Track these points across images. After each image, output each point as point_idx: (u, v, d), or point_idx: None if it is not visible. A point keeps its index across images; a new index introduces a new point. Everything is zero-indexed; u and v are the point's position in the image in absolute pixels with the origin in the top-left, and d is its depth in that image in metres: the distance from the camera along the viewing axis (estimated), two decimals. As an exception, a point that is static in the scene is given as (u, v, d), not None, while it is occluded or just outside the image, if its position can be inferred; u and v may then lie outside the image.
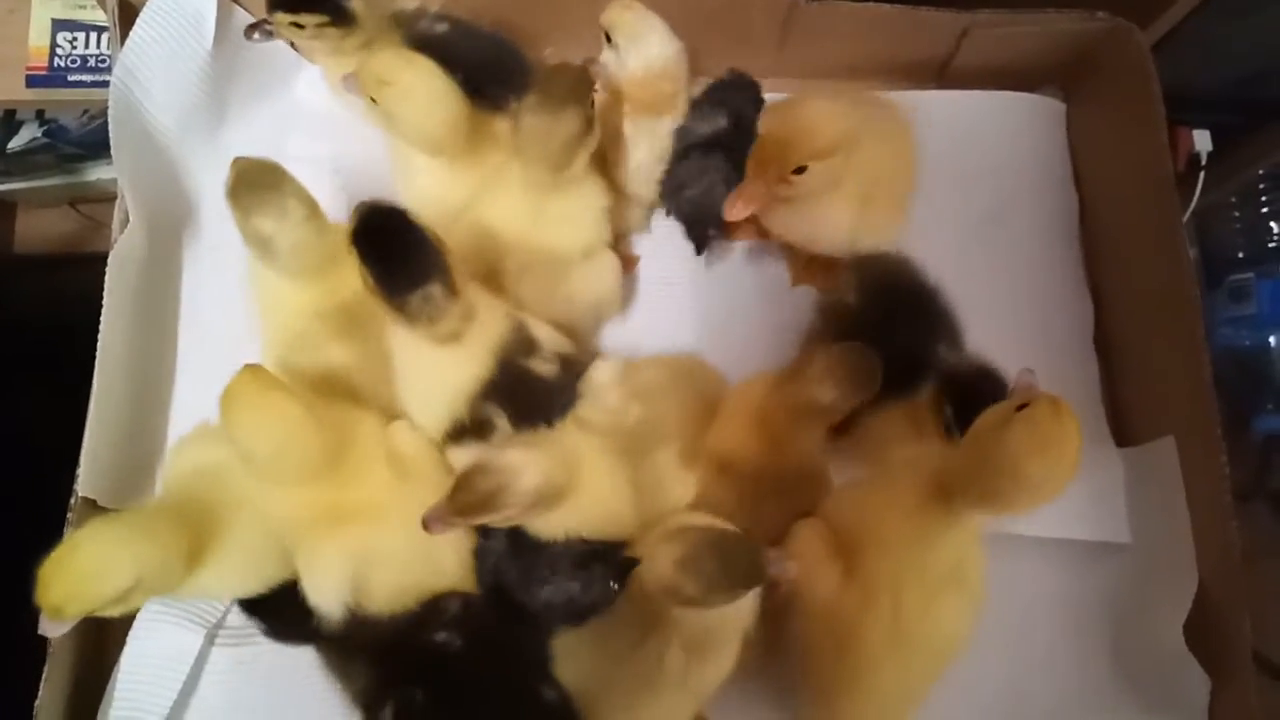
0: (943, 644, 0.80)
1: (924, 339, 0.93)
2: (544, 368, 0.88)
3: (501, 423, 0.87)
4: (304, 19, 0.94)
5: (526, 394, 0.87)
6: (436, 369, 0.86)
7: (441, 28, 1.02)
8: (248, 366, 0.78)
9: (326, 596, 0.82)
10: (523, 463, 0.76)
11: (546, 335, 0.91)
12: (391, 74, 0.87)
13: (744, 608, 0.79)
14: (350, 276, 0.82)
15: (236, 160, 0.83)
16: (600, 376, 0.82)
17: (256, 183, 0.82)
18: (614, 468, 0.83)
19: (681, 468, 0.90)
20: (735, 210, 0.89)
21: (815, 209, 0.94)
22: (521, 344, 0.88)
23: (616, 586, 0.79)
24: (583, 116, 0.87)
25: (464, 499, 0.75)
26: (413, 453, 0.88)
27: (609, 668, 0.80)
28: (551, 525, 0.82)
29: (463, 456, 0.89)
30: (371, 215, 0.77)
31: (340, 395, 0.89)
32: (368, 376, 0.90)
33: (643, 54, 1.01)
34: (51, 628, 0.74)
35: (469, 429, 0.87)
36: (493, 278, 0.94)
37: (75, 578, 0.73)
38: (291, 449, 0.79)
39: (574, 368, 0.90)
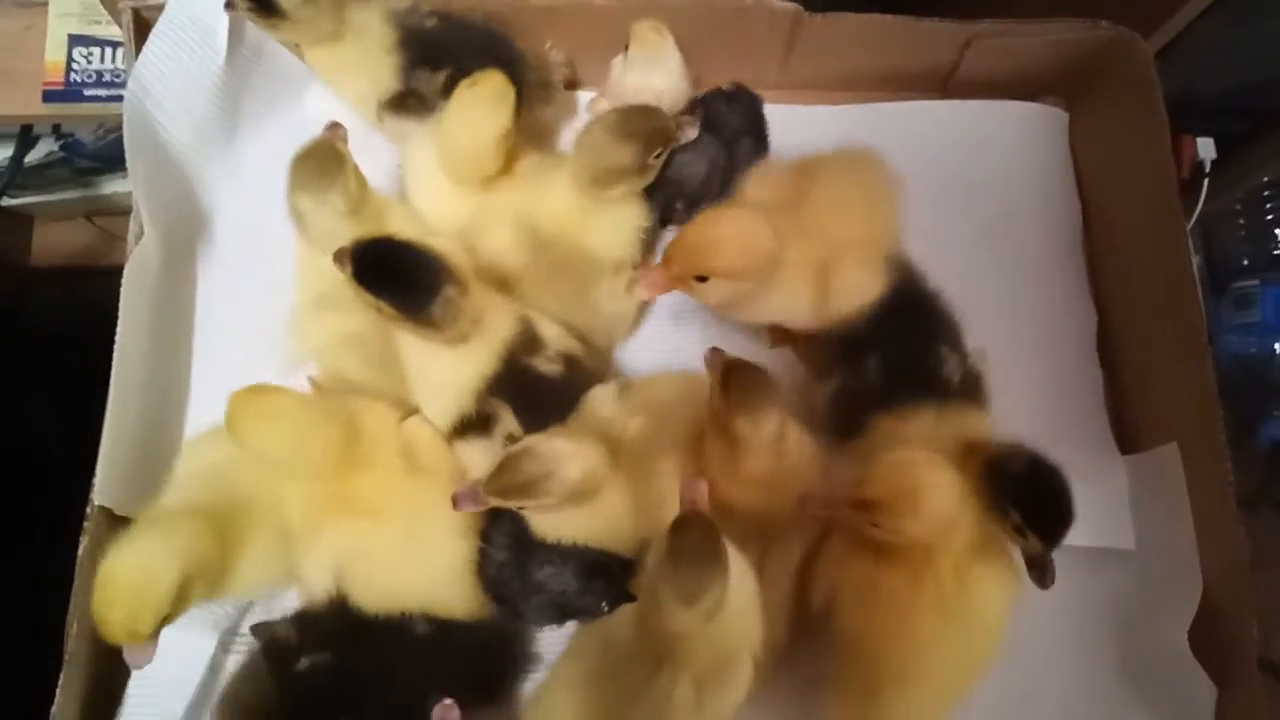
0: (983, 624, 0.82)
1: (927, 342, 0.93)
2: (548, 366, 0.90)
3: (506, 416, 0.89)
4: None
5: (530, 390, 0.89)
6: (444, 368, 0.88)
7: (431, 22, 1.03)
8: (243, 388, 0.81)
9: (314, 581, 0.84)
10: (569, 452, 0.77)
11: (553, 334, 0.93)
12: (484, 80, 0.90)
13: (752, 630, 0.79)
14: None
15: (330, 128, 0.89)
16: (598, 394, 0.86)
17: (315, 165, 0.86)
18: (624, 482, 0.84)
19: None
20: (638, 291, 0.89)
21: (765, 295, 0.90)
22: (527, 342, 0.90)
23: (606, 609, 0.80)
24: (639, 157, 0.90)
25: (506, 480, 0.75)
26: (425, 446, 0.90)
27: (621, 705, 0.79)
28: (561, 530, 0.83)
29: (468, 452, 0.91)
30: (364, 253, 0.79)
31: (359, 359, 0.93)
32: (376, 343, 0.92)
33: (642, 77, 1.03)
34: (137, 656, 0.75)
35: (474, 423, 0.89)
36: (517, 279, 0.96)
37: (127, 594, 0.73)
38: (307, 445, 0.82)
39: (579, 368, 0.92)
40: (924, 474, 0.79)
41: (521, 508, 0.79)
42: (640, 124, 0.91)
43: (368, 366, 0.94)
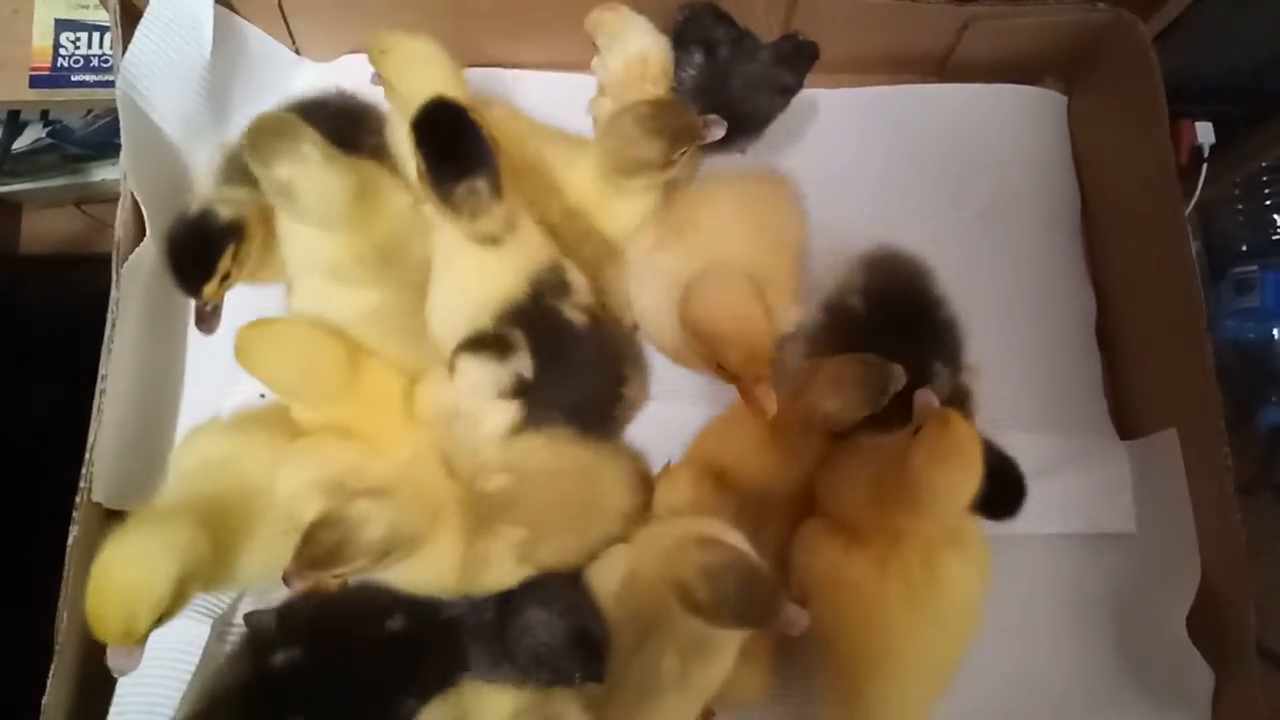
0: (955, 609, 0.82)
1: (922, 356, 0.91)
2: (573, 313, 0.90)
3: (522, 353, 0.87)
4: (223, 269, 0.88)
5: (550, 332, 0.89)
6: (472, 273, 0.88)
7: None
8: (249, 324, 0.83)
9: (284, 486, 0.85)
10: (367, 514, 0.75)
11: (580, 283, 0.92)
12: (386, 41, 0.89)
13: None
14: (378, 215, 0.89)
15: (256, 118, 0.85)
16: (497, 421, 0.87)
17: (271, 130, 0.83)
18: (457, 535, 0.83)
19: (514, 558, 0.84)
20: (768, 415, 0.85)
21: None
22: (557, 284, 0.90)
23: (578, 679, 0.78)
24: (665, 153, 0.90)
25: (310, 552, 0.73)
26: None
27: (609, 673, 0.80)
28: (391, 577, 0.82)
29: (471, 371, 0.86)
30: (434, 107, 0.80)
31: (379, 333, 0.92)
32: (396, 317, 0.92)
33: (623, 51, 1.01)
34: (123, 661, 0.72)
35: (490, 341, 0.86)
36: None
37: (123, 594, 0.71)
38: (314, 370, 0.85)
39: (602, 327, 0.93)
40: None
41: (338, 576, 0.76)
42: (670, 120, 0.90)
43: (387, 340, 0.92)
